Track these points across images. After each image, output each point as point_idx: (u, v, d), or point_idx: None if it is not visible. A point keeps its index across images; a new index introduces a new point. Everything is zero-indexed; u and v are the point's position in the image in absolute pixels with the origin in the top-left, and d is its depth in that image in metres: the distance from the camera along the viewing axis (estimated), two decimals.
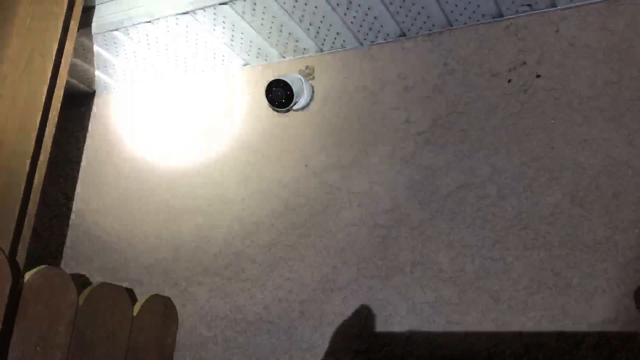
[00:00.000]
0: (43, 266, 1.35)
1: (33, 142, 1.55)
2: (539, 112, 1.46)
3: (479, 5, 1.53)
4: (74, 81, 2.13)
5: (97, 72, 2.08)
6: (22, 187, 1.53)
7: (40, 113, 1.49)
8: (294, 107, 1.76)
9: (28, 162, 1.54)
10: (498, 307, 1.36)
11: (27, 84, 1.45)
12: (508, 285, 1.37)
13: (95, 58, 1.98)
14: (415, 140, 1.59)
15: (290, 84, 1.68)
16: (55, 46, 1.53)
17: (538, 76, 1.49)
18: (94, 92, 2.23)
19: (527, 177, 1.42)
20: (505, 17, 1.56)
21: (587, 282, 1.29)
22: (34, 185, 1.55)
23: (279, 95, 1.69)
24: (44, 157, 1.58)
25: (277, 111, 1.80)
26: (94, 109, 2.23)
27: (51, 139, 1.56)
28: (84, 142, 2.20)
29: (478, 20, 1.59)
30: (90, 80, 2.14)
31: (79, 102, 2.25)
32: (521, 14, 1.55)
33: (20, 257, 1.50)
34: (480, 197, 1.46)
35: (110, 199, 2.05)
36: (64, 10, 1.56)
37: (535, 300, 1.33)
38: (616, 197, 1.32)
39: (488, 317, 1.36)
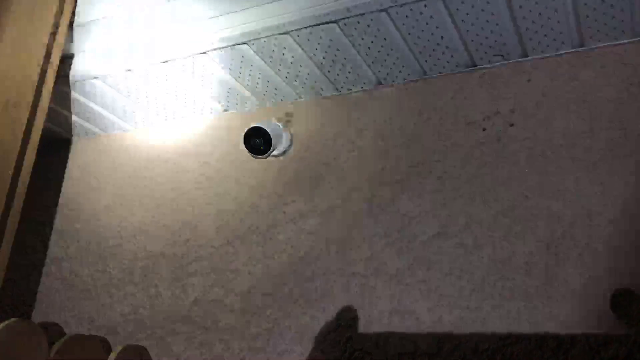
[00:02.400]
0: (11, 320, 1.31)
1: (7, 190, 1.53)
2: (513, 161, 1.48)
3: (452, 56, 1.56)
4: (51, 126, 2.11)
5: (74, 118, 2.07)
6: None
7: (14, 165, 1.48)
8: (272, 154, 1.76)
9: (0, 211, 1.52)
10: (475, 358, 1.35)
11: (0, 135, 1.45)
12: (486, 335, 1.36)
13: (72, 104, 1.97)
14: (392, 187, 1.60)
15: (269, 132, 1.68)
16: (31, 98, 1.53)
17: (511, 125, 1.51)
18: (72, 137, 2.22)
19: (503, 226, 1.43)
20: (478, 67, 1.59)
21: (563, 334, 1.28)
22: (5, 235, 1.53)
23: (257, 143, 1.69)
24: (17, 205, 1.56)
25: (256, 158, 1.80)
26: (72, 154, 2.21)
27: (25, 188, 1.55)
28: (61, 188, 2.18)
29: (452, 70, 1.61)
30: (67, 126, 2.13)
31: (56, 147, 2.23)
32: (494, 64, 1.58)
33: None
34: (457, 246, 1.46)
35: (86, 246, 2.02)
36: (41, 62, 1.56)
37: (512, 351, 1.32)
38: (590, 246, 1.33)
39: None
